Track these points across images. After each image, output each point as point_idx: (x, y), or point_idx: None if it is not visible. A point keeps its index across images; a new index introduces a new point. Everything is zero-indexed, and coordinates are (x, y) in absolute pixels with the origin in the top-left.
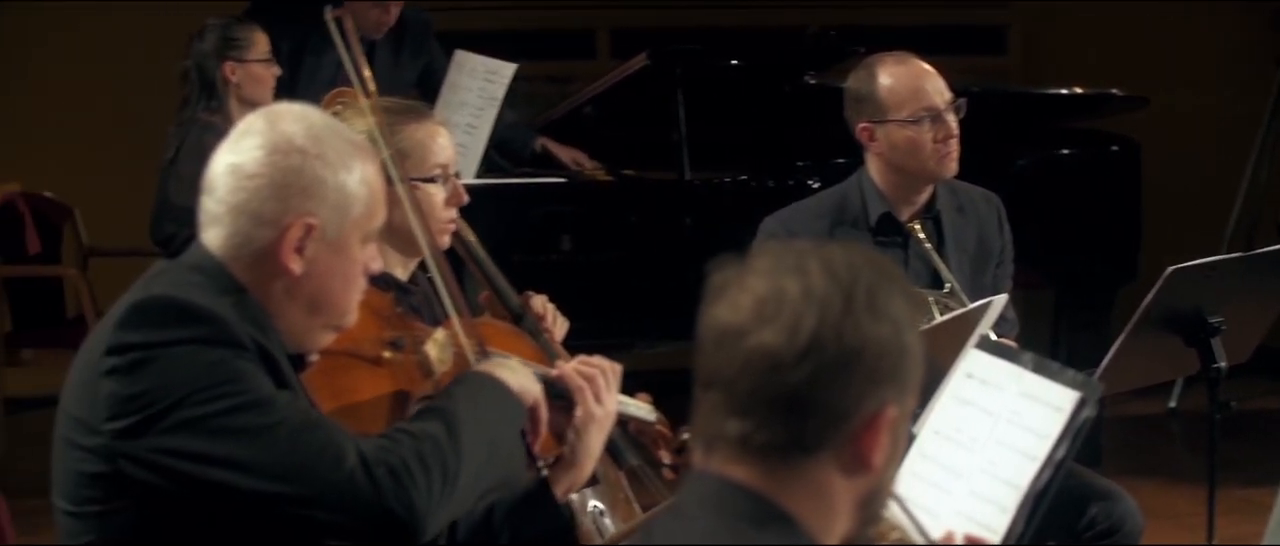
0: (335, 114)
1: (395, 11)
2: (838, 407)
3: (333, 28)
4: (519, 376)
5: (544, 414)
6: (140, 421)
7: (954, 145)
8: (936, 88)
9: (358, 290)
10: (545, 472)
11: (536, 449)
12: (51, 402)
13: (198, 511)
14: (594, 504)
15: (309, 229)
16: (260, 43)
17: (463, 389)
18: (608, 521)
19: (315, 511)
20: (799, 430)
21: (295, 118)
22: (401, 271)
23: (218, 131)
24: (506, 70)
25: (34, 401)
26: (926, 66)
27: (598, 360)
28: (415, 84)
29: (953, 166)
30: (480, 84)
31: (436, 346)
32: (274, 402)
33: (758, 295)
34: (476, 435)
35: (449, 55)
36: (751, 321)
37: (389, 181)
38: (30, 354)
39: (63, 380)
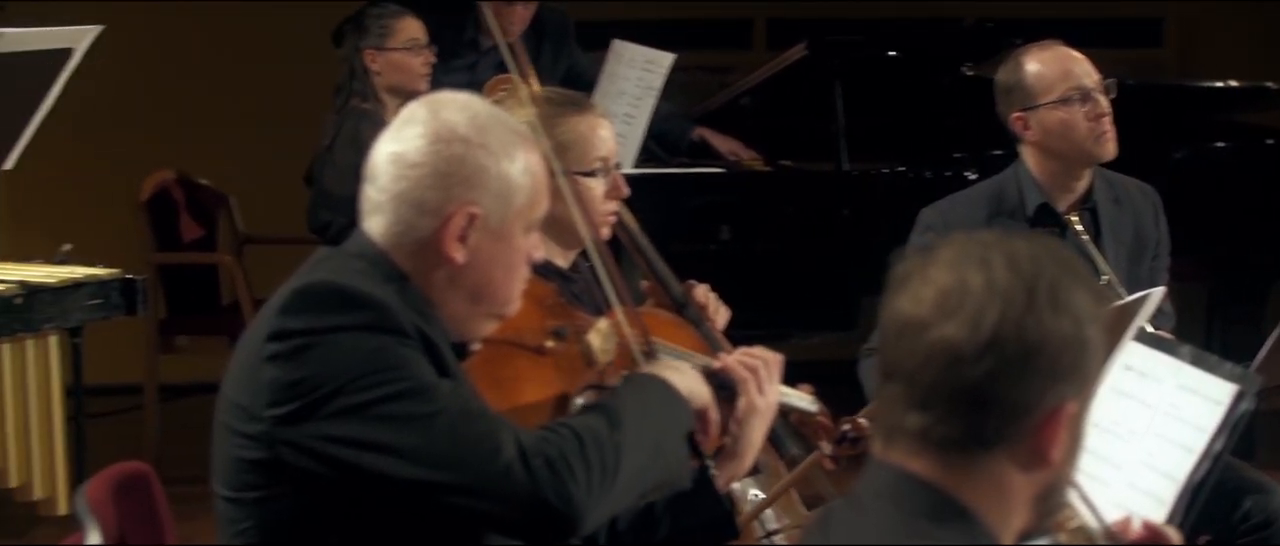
0: (496, 102)
1: (522, 16)
2: (1018, 403)
3: (488, 14)
4: (688, 379)
5: (714, 416)
6: (301, 408)
7: (1108, 124)
8: (1084, 69)
9: (520, 279)
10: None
11: (706, 449)
12: (205, 390)
13: (356, 499)
14: (754, 492)
15: (472, 218)
16: (404, 30)
17: (630, 389)
18: (768, 511)
19: (471, 500)
20: (978, 425)
21: (459, 107)
22: (562, 261)
23: (372, 119)
24: (665, 60)
25: (188, 388)
26: (1073, 51)
27: (760, 351)
28: (560, 85)
29: (1110, 146)
30: (639, 74)
31: (599, 336)
32: (435, 390)
33: (940, 287)
34: (640, 434)
35: (594, 50)
36: (933, 314)
37: (551, 173)
38: (185, 341)
39: (217, 367)
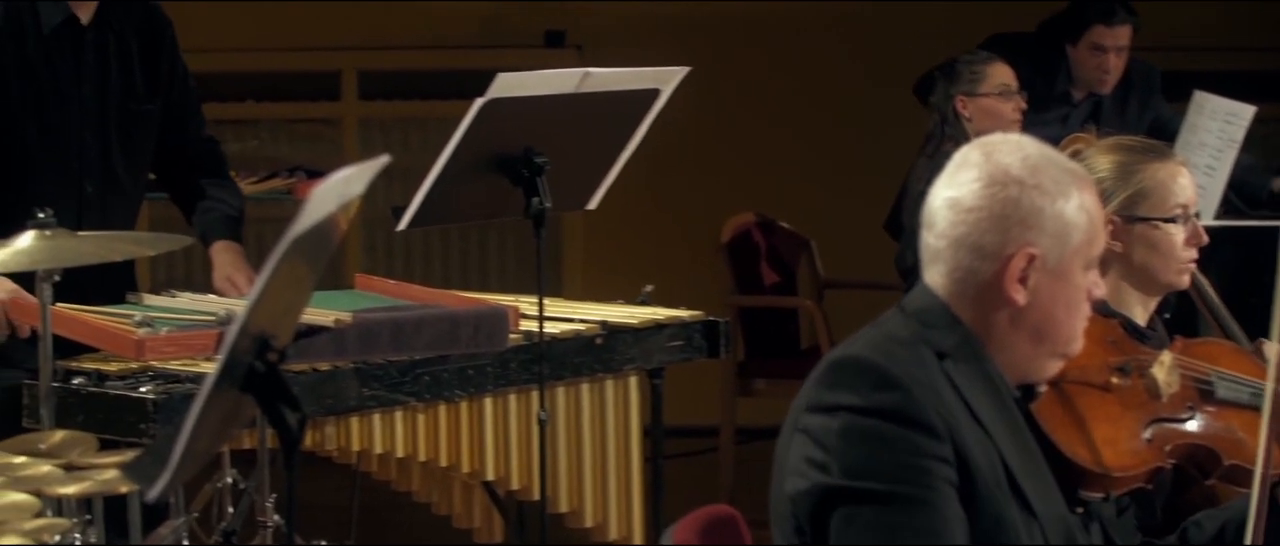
0: (1074, 154)
1: (1116, 66)
2: None
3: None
4: None
5: None
6: (809, 484)
7: None
8: None
9: (1082, 317)
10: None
11: None
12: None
13: None
14: None
15: (1031, 259)
16: (995, 76)
17: None
18: None
19: None
20: None
21: (1011, 149)
22: (1141, 310)
23: None
24: (1246, 113)
25: (764, 431)
26: None
27: None
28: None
29: None
30: (1219, 125)
31: (1163, 369)
32: (918, 508)
33: None
34: None
35: (1176, 101)
36: None
37: (1135, 220)
38: (762, 384)
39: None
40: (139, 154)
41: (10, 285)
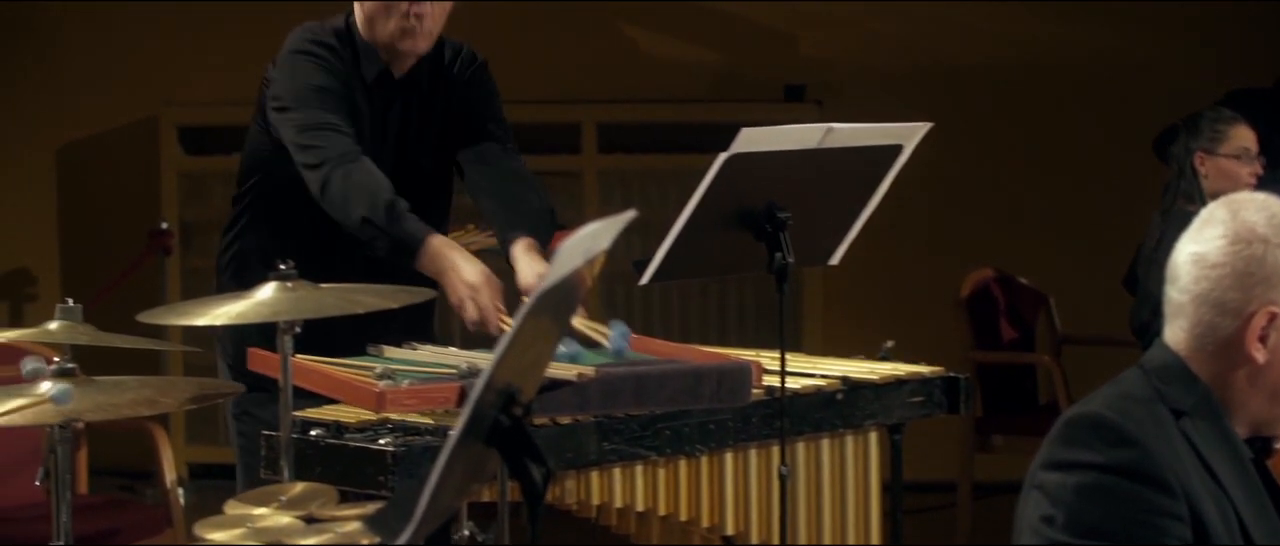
0: None
1: None
2: None
3: None
4: None
5: None
6: (1046, 543)
7: None
8: None
9: None
10: None
11: None
12: (1018, 490)
13: None
14: None
15: (1272, 317)
16: (1238, 138)
17: None
18: None
19: None
20: None
21: (1258, 207)
22: None
23: None
24: None
25: (1002, 487)
26: None
27: None
28: None
29: None
30: None
31: None
32: None
33: None
34: None
35: None
36: None
37: None
38: (1000, 439)
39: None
40: (421, 208)
41: (481, 269)
